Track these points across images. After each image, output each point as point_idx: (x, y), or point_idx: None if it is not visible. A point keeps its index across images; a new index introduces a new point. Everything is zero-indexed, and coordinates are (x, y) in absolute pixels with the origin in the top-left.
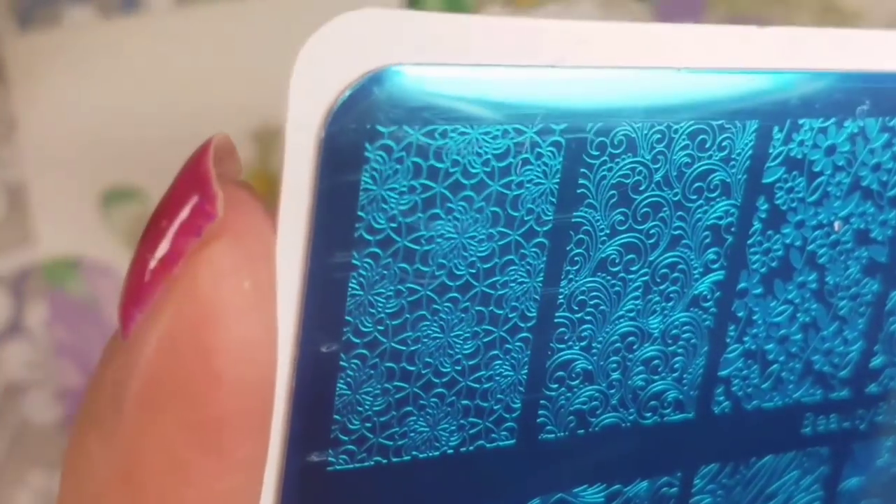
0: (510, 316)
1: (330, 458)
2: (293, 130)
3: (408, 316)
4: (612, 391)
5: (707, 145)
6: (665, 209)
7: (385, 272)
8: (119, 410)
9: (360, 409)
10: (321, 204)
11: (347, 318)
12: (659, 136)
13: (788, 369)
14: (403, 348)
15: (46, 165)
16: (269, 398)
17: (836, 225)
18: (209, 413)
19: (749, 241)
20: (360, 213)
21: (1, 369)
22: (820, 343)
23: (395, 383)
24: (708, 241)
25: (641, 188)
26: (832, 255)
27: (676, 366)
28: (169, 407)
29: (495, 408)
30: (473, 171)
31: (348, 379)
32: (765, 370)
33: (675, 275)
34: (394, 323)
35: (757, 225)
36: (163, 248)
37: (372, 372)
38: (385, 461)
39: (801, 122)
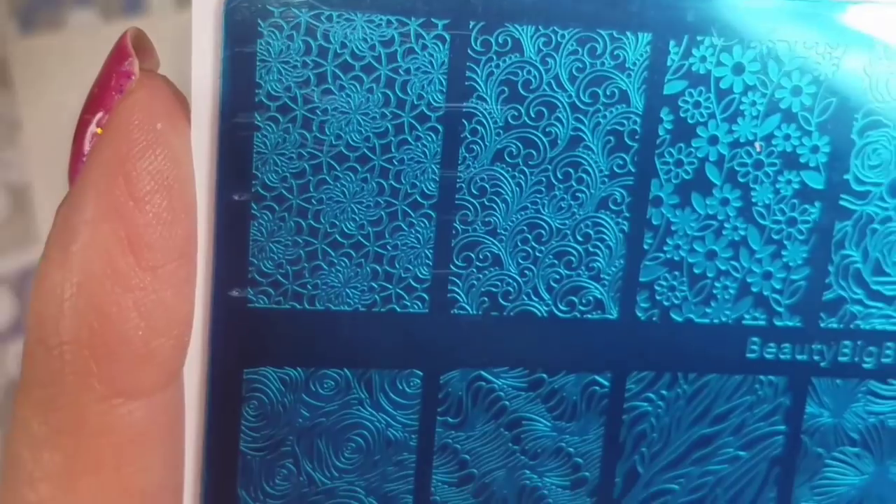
0: (410, 192)
1: (249, 296)
2: (198, 5)
3: (310, 178)
4: (525, 280)
5: (598, 52)
6: (560, 110)
7: (285, 135)
8: (72, 237)
9: (272, 255)
10: (225, 70)
11: (255, 171)
12: (545, 39)
13: (722, 287)
14: (308, 206)
15: (49, 167)
16: (187, 225)
17: (758, 145)
18: (137, 231)
19: (658, 151)
20: (258, 80)
21: (4, 368)
22: (756, 265)
23: (304, 237)
24: (612, 145)
25: (532, 87)
26: (757, 176)
27: (593, 265)
28: (106, 225)
29: (404, 276)
30: (361, 54)
31: (260, 227)
32: (694, 283)
33: (580, 175)
34: (298, 182)
35: (664, 135)
36: (96, 109)
37: (281, 223)
38: (300, 307)
39: (699, 38)
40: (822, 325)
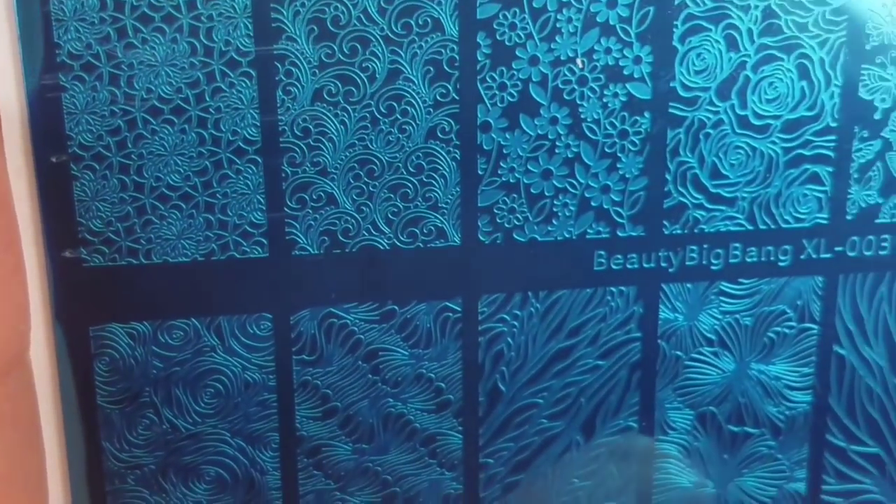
0: (232, 139)
1: (83, 256)
2: None
3: (127, 134)
4: (363, 216)
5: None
6: (374, 44)
7: (94, 94)
8: None
9: (100, 214)
10: (21, 31)
11: (69, 132)
12: None
13: (561, 204)
14: (129, 162)
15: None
16: (5, 216)
17: (579, 62)
18: None
19: (479, 77)
20: (57, 41)
21: None
22: (593, 179)
23: (130, 193)
24: (432, 75)
25: (342, 23)
26: (583, 92)
27: (430, 195)
28: None
29: (238, 223)
30: (159, 4)
31: (83, 187)
32: (532, 204)
33: (404, 107)
34: (115, 139)
35: (483, 60)
36: None
37: (104, 182)
38: (136, 262)
39: None
40: (665, 232)
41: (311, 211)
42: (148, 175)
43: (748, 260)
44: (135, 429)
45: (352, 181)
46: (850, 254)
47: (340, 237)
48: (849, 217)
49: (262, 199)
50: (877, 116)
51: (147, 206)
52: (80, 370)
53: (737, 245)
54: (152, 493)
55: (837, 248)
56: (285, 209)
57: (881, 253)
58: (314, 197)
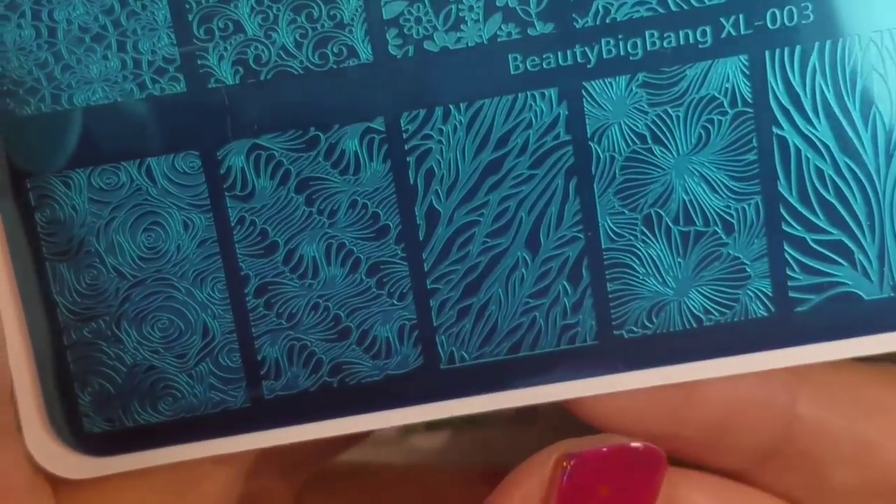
0: None
1: (11, 106)
2: None
3: None
4: (272, 41)
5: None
6: None
7: None
8: None
9: (21, 63)
10: None
11: None
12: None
13: (467, 8)
14: (40, 7)
15: None
16: None
17: None
18: None
19: None
20: None
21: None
22: None
23: (45, 40)
24: None
25: None
26: None
27: (334, 13)
28: None
29: (152, 59)
30: None
31: (1, 38)
32: (438, 11)
33: None
34: None
35: None
36: None
37: (19, 31)
38: (60, 107)
39: None
40: (577, 26)
41: (220, 41)
42: (59, 18)
43: (666, 46)
44: (83, 280)
45: (255, 6)
46: (772, 26)
47: (253, 65)
48: None
49: (171, 34)
50: None
51: (64, 51)
52: (24, 224)
53: (653, 31)
54: (110, 345)
55: (757, 23)
56: (195, 41)
57: (804, 22)
58: (221, 26)
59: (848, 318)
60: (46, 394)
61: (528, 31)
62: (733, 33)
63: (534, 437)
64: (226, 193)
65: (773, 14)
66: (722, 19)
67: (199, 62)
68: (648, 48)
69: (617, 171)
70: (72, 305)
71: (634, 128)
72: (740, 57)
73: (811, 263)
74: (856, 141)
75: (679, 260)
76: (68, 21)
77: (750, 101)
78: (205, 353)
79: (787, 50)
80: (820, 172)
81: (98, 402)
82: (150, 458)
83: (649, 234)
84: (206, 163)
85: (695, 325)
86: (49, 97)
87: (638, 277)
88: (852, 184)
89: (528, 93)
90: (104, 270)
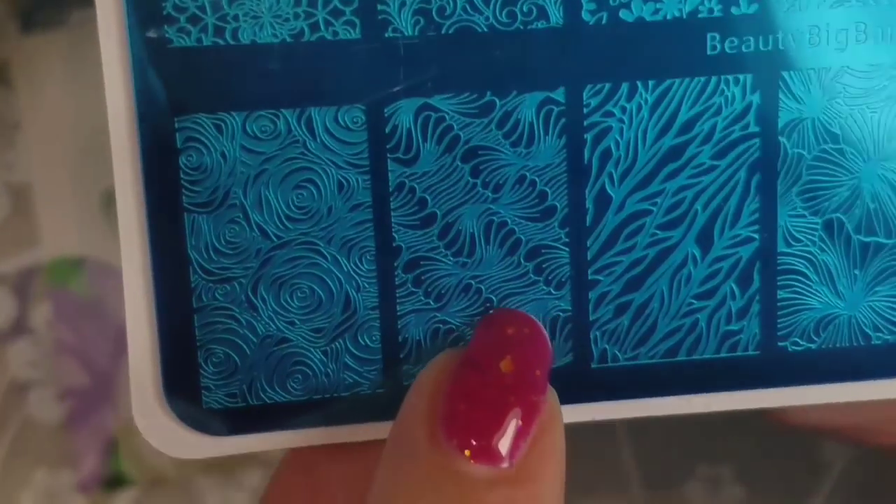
0: None
1: (168, 35)
2: None
3: None
4: None
5: None
6: None
7: None
8: None
9: None
10: None
11: None
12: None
13: None
14: None
15: (50, 167)
16: None
17: None
18: None
19: None
20: None
21: (5, 368)
22: None
23: None
24: None
25: None
26: None
27: None
28: None
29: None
30: None
31: None
32: None
33: None
34: None
35: None
36: None
37: None
38: (223, 42)
39: None
40: (784, 10)
41: None
42: None
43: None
44: (223, 236)
45: None
46: None
47: (436, 17)
48: None
49: None
50: None
51: None
52: (164, 166)
53: (860, 23)
54: (242, 311)
55: None
56: None
57: None
58: None
59: None
60: (165, 362)
61: (731, 10)
62: None
63: None
64: (388, 155)
65: None
66: None
67: (378, 7)
68: (856, 42)
69: (804, 171)
70: (206, 264)
71: (828, 126)
72: None
73: None
74: None
75: (856, 272)
76: None
77: None
78: (343, 328)
79: None
80: None
81: (222, 376)
82: (274, 441)
83: (828, 241)
84: (371, 119)
85: (862, 343)
86: (212, 29)
87: (811, 287)
88: None
89: (722, 77)
90: (247, 228)
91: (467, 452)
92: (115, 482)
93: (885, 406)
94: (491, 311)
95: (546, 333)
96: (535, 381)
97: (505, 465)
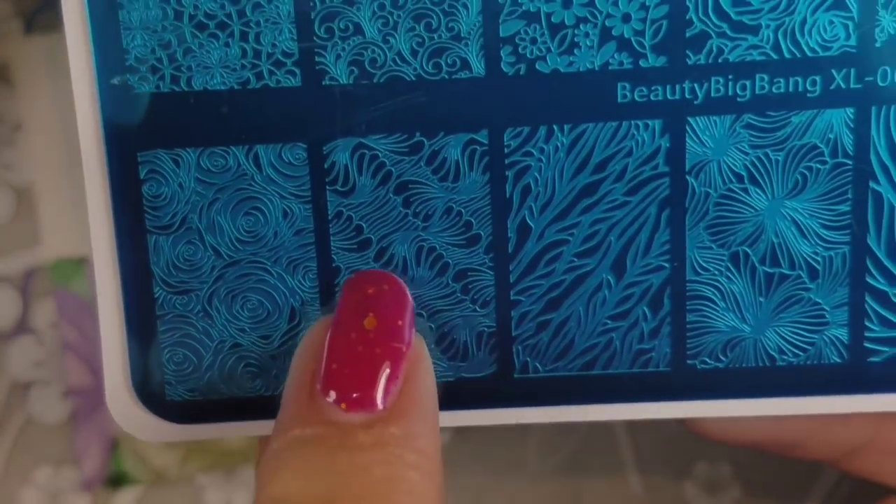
0: None
1: (130, 82)
2: None
3: None
4: (389, 46)
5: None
6: None
7: None
8: None
9: (145, 42)
10: None
11: None
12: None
13: (583, 34)
14: None
15: (52, 167)
16: None
17: None
18: None
19: None
20: None
21: (8, 368)
22: (613, 7)
23: (171, 22)
24: None
25: None
26: None
27: (452, 25)
28: None
29: (271, 52)
30: None
31: (129, 15)
32: (554, 34)
33: None
34: None
35: None
36: None
37: (146, 11)
38: (178, 88)
39: None
40: (689, 62)
41: (339, 41)
42: (186, 3)
43: (775, 91)
44: (182, 255)
45: (377, 10)
46: (882, 84)
47: (368, 67)
48: (878, 45)
49: (292, 29)
50: None
51: (187, 33)
52: (130, 193)
53: (763, 75)
54: (199, 319)
55: (868, 78)
56: (315, 38)
57: None
58: (342, 26)
59: None
60: (133, 361)
61: (640, 63)
62: (843, 86)
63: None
64: (327, 187)
65: (885, 72)
66: (833, 71)
67: (316, 59)
68: (757, 91)
69: (710, 207)
70: (167, 278)
71: (733, 167)
72: (847, 109)
73: (890, 317)
74: None
75: (761, 299)
76: (195, 6)
77: (851, 153)
78: (289, 336)
79: (893, 108)
80: None
81: (182, 373)
82: (227, 430)
83: (734, 271)
84: (311, 156)
85: (768, 364)
86: (169, 77)
87: (717, 311)
88: None
89: (633, 122)
90: (202, 248)
91: (343, 406)
92: (117, 480)
93: (803, 421)
94: (352, 275)
95: (405, 285)
96: (398, 331)
97: (379, 408)
